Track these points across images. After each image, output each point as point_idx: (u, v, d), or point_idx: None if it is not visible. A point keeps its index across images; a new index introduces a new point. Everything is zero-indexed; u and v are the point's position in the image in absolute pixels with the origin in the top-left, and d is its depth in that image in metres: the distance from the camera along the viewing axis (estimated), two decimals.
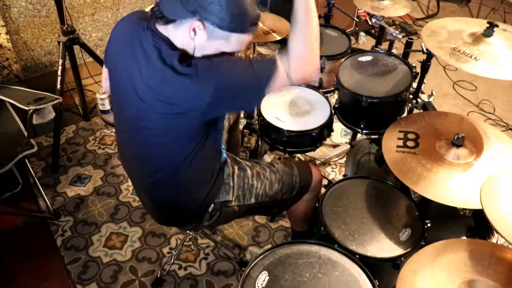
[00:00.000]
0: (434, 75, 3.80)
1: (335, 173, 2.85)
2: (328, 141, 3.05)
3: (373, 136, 2.32)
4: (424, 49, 2.08)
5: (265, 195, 1.84)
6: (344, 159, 2.64)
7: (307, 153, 2.78)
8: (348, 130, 3.09)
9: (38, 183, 2.59)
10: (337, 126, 3.10)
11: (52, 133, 2.89)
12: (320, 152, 2.97)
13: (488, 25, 1.76)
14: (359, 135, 2.57)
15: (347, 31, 3.99)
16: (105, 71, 1.75)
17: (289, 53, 1.49)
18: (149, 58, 1.42)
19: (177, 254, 2.35)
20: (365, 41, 4.11)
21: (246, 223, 2.54)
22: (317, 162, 2.86)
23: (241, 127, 2.62)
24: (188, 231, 2.24)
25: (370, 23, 2.58)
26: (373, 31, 4.18)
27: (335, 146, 3.03)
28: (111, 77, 1.63)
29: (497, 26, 1.74)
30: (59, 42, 2.78)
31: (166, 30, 1.42)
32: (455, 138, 1.72)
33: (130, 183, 2.75)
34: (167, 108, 1.42)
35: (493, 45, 1.74)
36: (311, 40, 1.51)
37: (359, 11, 3.93)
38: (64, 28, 2.77)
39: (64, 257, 2.36)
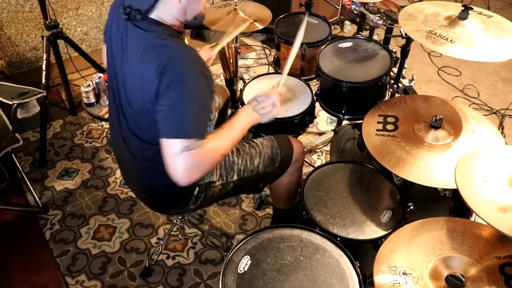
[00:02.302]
0: (419, 62, 3.83)
1: (321, 161, 2.87)
2: (314, 129, 3.09)
3: (356, 122, 2.34)
4: (403, 34, 2.10)
5: (247, 170, 1.87)
6: None
7: None
8: (334, 118, 3.12)
9: (25, 178, 2.60)
10: (323, 114, 3.13)
11: (39, 129, 2.90)
12: (306, 140, 3.00)
13: (463, 8, 1.78)
14: (344, 122, 2.59)
15: (332, 20, 4.03)
16: (104, 48, 1.77)
17: (208, 144, 1.49)
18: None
19: (165, 244, 2.37)
20: (350, 29, 4.12)
21: (233, 212, 2.57)
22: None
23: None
24: (175, 221, 2.26)
25: (352, 10, 2.60)
26: (358, 19, 4.19)
27: (320, 134, 3.05)
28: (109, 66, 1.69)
29: (471, 8, 1.77)
30: (42, 37, 2.77)
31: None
32: (433, 120, 1.75)
33: (118, 175, 2.77)
34: None
35: (468, 28, 1.77)
36: (225, 152, 1.59)
37: (343, 0, 3.94)
38: (47, 22, 2.76)
39: (53, 250, 2.38)
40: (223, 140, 1.57)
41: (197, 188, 1.78)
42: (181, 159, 1.43)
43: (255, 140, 1.94)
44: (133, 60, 1.53)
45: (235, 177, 1.86)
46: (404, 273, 1.30)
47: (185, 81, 1.45)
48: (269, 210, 2.56)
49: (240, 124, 1.64)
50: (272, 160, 1.92)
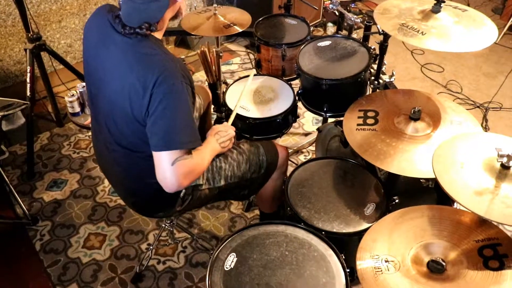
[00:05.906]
0: (402, 60, 3.87)
1: None
2: (300, 129, 3.11)
3: (339, 119, 2.37)
4: (380, 31, 2.14)
5: (234, 176, 1.90)
6: None
7: (275, 140, 2.83)
8: (319, 118, 3.15)
9: (13, 191, 2.59)
10: (309, 115, 3.17)
11: (26, 142, 2.90)
12: (293, 141, 3.02)
13: (435, 1, 1.82)
14: (330, 120, 2.61)
15: (315, 22, 4.07)
16: None
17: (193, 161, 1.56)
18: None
19: (155, 249, 2.38)
20: (333, 31, 4.16)
21: (222, 215, 2.58)
22: (290, 150, 2.90)
23: (212, 122, 2.66)
24: (164, 225, 2.27)
25: (332, 11, 2.63)
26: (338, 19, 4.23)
27: (306, 134, 3.08)
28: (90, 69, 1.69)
29: (443, 1, 1.80)
30: (25, 50, 2.79)
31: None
32: (412, 112, 1.78)
33: (106, 184, 2.77)
34: None
35: (441, 21, 1.80)
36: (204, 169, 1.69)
37: (325, 2, 3.98)
38: (29, 35, 2.78)
39: (43, 261, 2.38)
40: (201, 159, 1.64)
41: (184, 190, 1.80)
42: (173, 169, 1.49)
43: (242, 147, 1.97)
44: (120, 69, 1.53)
45: (222, 182, 1.88)
46: (386, 261, 1.32)
47: (176, 94, 1.48)
48: (258, 211, 2.57)
49: (208, 153, 1.72)
50: (258, 167, 1.95)
